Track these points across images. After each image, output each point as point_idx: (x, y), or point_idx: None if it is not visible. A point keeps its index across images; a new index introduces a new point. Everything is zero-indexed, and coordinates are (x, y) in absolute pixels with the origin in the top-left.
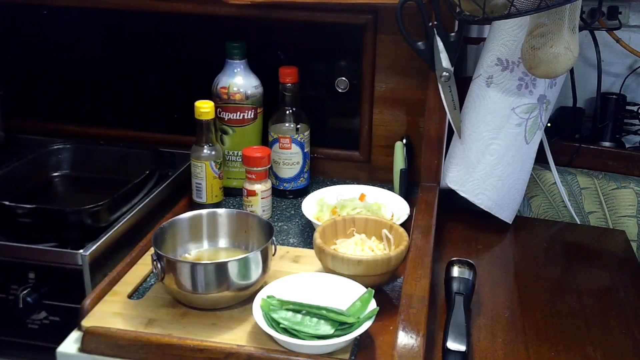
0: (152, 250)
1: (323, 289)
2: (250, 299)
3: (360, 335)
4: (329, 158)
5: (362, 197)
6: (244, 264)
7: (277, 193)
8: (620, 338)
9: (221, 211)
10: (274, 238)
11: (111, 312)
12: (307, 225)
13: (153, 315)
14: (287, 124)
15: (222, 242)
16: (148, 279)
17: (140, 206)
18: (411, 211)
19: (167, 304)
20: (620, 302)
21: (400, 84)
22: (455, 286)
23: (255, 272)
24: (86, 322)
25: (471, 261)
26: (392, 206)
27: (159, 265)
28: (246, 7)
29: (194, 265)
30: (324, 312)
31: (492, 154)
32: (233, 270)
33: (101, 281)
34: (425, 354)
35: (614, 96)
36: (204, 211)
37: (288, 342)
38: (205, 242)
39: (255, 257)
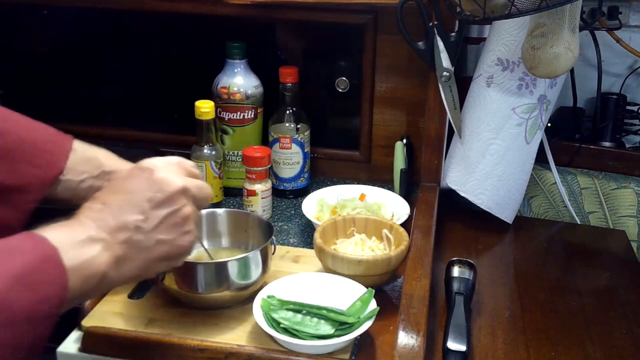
0: None
1: (323, 289)
2: (250, 298)
3: (360, 335)
4: (329, 158)
5: (362, 197)
6: (244, 264)
7: (277, 193)
8: (620, 338)
9: (221, 211)
10: (273, 237)
11: (111, 312)
12: (307, 225)
13: (153, 315)
14: (287, 124)
15: (222, 242)
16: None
17: None
18: (411, 211)
19: (167, 304)
20: (620, 302)
21: (400, 84)
22: (455, 286)
23: (255, 272)
24: (86, 322)
25: (471, 261)
26: (392, 206)
27: None
28: (246, 7)
29: (194, 265)
30: (324, 312)
31: (492, 154)
32: (233, 270)
33: None
34: (426, 354)
35: (614, 96)
36: (203, 211)
37: (288, 342)
38: (205, 241)
39: (255, 256)
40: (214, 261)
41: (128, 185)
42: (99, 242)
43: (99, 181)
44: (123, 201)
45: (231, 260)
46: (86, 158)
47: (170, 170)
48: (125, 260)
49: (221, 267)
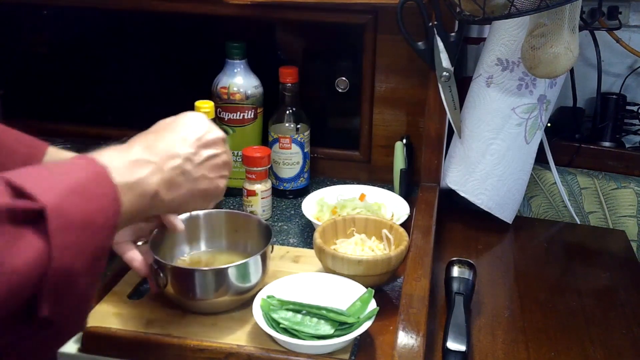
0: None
1: (323, 289)
2: (249, 300)
3: (360, 335)
4: (329, 158)
5: (362, 197)
6: (244, 269)
7: (277, 193)
8: (620, 338)
9: (219, 212)
10: (274, 239)
11: (111, 313)
12: (307, 225)
13: (153, 316)
14: (287, 124)
15: (220, 244)
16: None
17: None
18: (411, 211)
19: (167, 304)
20: (620, 302)
21: (400, 84)
22: (455, 286)
23: (255, 276)
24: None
25: (471, 261)
26: (392, 206)
27: (161, 273)
28: (246, 7)
29: (192, 272)
30: (324, 312)
31: (492, 154)
32: (233, 276)
33: (101, 281)
34: (425, 354)
35: (614, 96)
36: (200, 212)
37: (288, 342)
38: (203, 243)
39: (255, 261)
40: (212, 268)
41: (180, 124)
42: (150, 165)
43: None
44: (175, 135)
45: (231, 266)
46: None
47: (213, 123)
48: (173, 185)
49: (220, 273)
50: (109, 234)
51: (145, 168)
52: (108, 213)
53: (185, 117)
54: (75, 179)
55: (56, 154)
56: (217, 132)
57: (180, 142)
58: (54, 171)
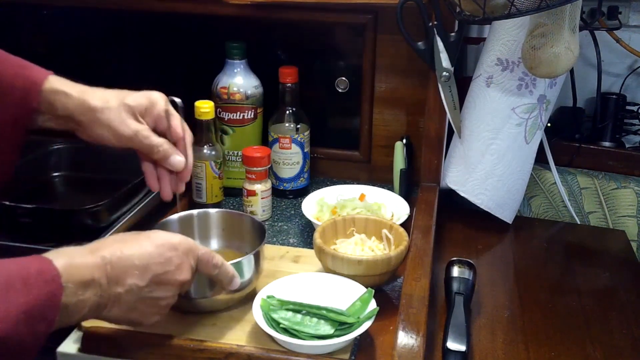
0: None
1: (323, 289)
2: (249, 299)
3: (360, 335)
4: (329, 158)
5: (362, 197)
6: (238, 268)
7: (277, 193)
8: (620, 338)
9: (213, 211)
10: (267, 238)
11: None
12: (307, 225)
13: None
14: (287, 124)
15: (214, 243)
16: None
17: (140, 206)
18: (411, 211)
19: None
20: (620, 302)
21: (400, 84)
22: (455, 286)
23: (249, 274)
24: (86, 322)
25: (471, 261)
26: (392, 206)
27: None
28: (246, 7)
29: None
30: (324, 312)
31: (492, 154)
32: None
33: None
34: (425, 354)
35: (614, 96)
36: (194, 211)
37: (288, 342)
38: (198, 243)
39: (249, 260)
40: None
41: (152, 248)
42: (96, 288)
43: (70, 122)
44: (138, 262)
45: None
46: (50, 102)
47: (185, 263)
48: (104, 309)
49: None
50: (31, 354)
51: (90, 290)
52: (39, 337)
53: (163, 253)
54: (32, 300)
55: (57, 84)
56: (180, 274)
57: (138, 274)
58: (10, 293)
